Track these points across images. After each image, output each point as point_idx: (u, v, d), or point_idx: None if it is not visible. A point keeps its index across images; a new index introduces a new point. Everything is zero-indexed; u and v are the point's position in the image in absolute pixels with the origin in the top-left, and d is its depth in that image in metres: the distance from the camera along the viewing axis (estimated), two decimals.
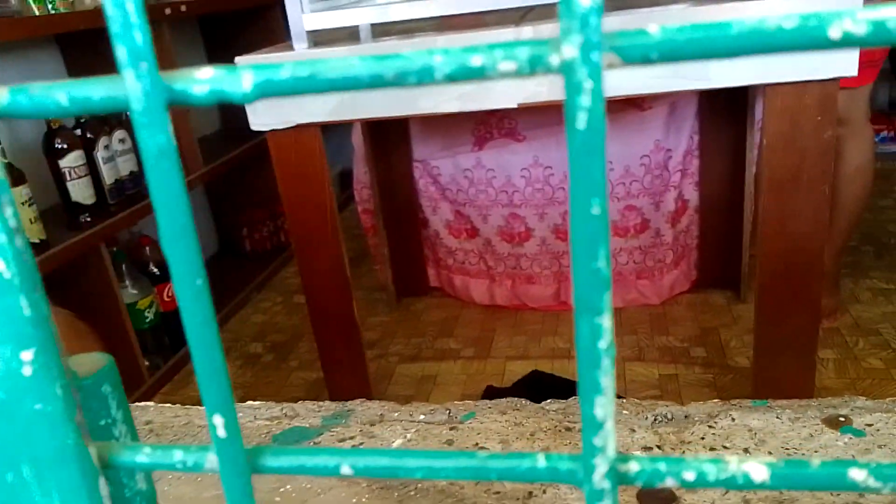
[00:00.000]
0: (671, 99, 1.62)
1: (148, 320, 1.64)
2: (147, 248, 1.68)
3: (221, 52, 2.27)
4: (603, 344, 0.10)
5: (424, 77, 0.10)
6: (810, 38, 0.10)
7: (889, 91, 2.54)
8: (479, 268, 1.88)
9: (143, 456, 0.13)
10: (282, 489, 0.27)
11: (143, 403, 0.34)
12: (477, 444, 0.28)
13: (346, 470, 0.12)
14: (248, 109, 1.25)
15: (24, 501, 0.13)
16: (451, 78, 0.10)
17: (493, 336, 1.74)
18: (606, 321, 0.10)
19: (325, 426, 0.31)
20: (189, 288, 0.11)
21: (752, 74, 1.05)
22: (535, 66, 0.10)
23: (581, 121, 0.10)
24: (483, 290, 1.88)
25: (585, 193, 0.10)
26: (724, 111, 1.65)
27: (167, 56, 1.72)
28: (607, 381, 0.11)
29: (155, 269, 1.68)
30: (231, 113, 2.35)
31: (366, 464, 0.12)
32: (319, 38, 1.33)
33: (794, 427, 0.27)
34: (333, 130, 2.27)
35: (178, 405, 0.35)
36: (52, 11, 1.46)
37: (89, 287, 1.51)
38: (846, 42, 0.10)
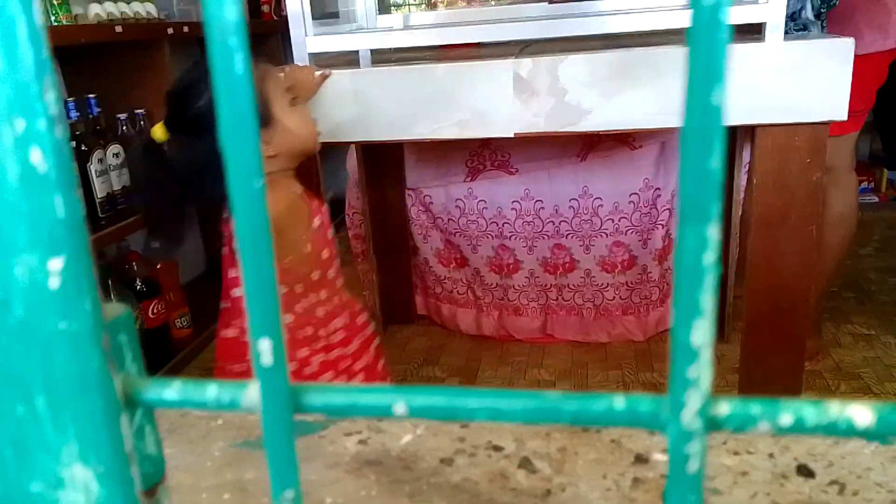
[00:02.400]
0: (662, 139, 1.64)
1: None
2: (134, 264, 1.65)
3: None
4: (709, 258, 0.10)
5: None
6: None
7: (871, 143, 2.61)
8: (466, 297, 1.87)
9: (173, 391, 0.12)
10: None
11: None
12: (490, 441, 0.27)
13: (399, 409, 0.11)
14: None
15: (33, 438, 0.12)
16: None
17: (478, 366, 1.72)
18: (714, 232, 0.10)
19: (329, 420, 0.30)
20: (245, 190, 0.10)
21: (744, 114, 1.07)
22: None
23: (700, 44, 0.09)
24: (470, 319, 1.86)
25: (705, 80, 0.09)
26: None
27: (166, 75, 1.72)
28: (709, 301, 0.10)
29: (141, 286, 1.65)
30: None
31: (422, 403, 0.11)
32: (320, 63, 1.34)
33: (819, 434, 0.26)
34: (328, 156, 2.27)
35: None
36: (55, 24, 1.46)
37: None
38: None
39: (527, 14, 1.49)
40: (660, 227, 1.72)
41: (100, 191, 1.48)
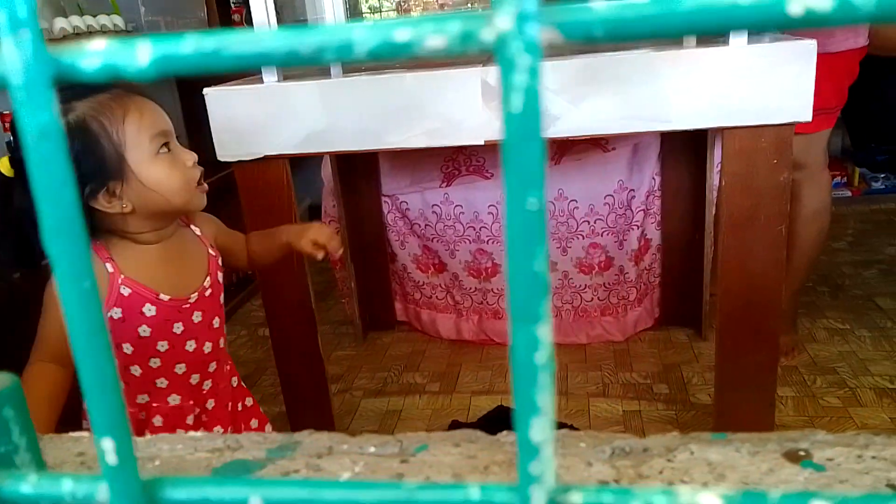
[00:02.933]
0: (634, 140, 1.65)
1: None
2: None
3: (193, 82, 2.25)
4: (540, 357, 0.10)
5: (344, 53, 0.09)
6: (768, 16, 0.09)
7: (842, 139, 2.65)
8: (446, 302, 1.87)
9: (28, 486, 0.12)
10: None
11: (77, 434, 0.32)
12: (428, 477, 0.27)
13: (255, 502, 0.11)
14: (216, 140, 1.24)
15: None
16: (375, 55, 0.09)
17: (458, 371, 1.72)
18: (544, 332, 0.10)
19: (269, 459, 0.29)
20: (74, 290, 0.10)
21: (710, 118, 1.08)
22: (466, 42, 0.09)
23: (516, 102, 0.09)
24: (450, 324, 1.86)
25: (521, 185, 0.09)
26: (685, 154, 1.69)
27: (134, 89, 1.70)
28: (545, 400, 0.10)
29: None
30: (203, 143, 2.32)
31: (280, 496, 0.11)
32: (290, 73, 1.33)
33: (754, 461, 0.26)
34: (303, 164, 2.26)
35: None
36: None
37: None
38: (809, 20, 0.09)
39: None
40: (635, 227, 1.73)
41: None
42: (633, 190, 1.69)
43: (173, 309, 0.85)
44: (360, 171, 1.81)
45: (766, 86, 1.05)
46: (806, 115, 1.06)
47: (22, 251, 0.79)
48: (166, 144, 0.80)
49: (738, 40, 1.05)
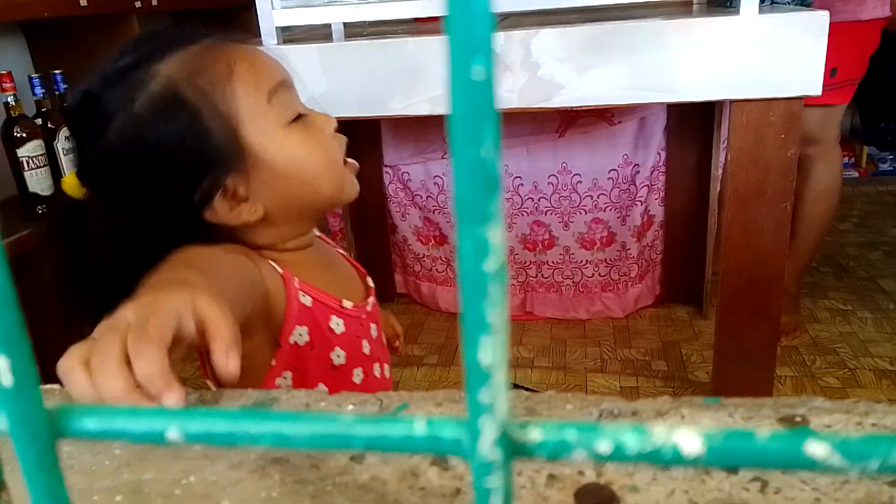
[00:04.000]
0: (641, 114, 1.62)
1: None
2: None
3: None
4: (490, 265, 0.08)
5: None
6: None
7: (851, 118, 2.61)
8: (446, 275, 1.85)
9: None
10: (184, 481, 0.24)
11: (48, 386, 0.31)
12: None
13: (173, 435, 0.10)
14: None
15: None
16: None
17: (457, 344, 1.72)
18: (494, 234, 0.08)
19: None
20: None
21: (718, 89, 1.06)
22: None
23: None
24: (450, 297, 1.85)
25: (465, 50, 0.08)
26: (692, 129, 1.66)
27: None
28: (496, 315, 0.08)
29: None
30: None
31: (199, 429, 0.10)
32: (292, 37, 1.30)
33: (748, 426, 0.25)
34: None
35: None
36: None
37: (43, 280, 1.45)
38: None
39: None
40: (638, 203, 1.70)
41: (67, 169, 1.45)
42: (637, 165, 1.67)
43: (356, 320, 0.60)
44: (361, 140, 1.79)
45: (776, 57, 1.02)
46: (816, 88, 1.03)
47: (103, 300, 0.44)
48: (299, 118, 0.54)
49: (749, 9, 1.02)
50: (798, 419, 0.24)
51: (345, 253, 0.71)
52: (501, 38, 1.10)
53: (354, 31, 1.35)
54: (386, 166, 1.80)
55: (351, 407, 0.28)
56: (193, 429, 0.10)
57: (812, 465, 0.09)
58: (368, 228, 1.87)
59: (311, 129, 0.55)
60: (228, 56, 0.52)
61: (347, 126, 1.95)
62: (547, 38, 1.08)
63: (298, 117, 0.54)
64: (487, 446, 0.09)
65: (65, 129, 1.45)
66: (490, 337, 0.08)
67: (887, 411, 0.24)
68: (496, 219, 0.08)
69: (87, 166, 0.52)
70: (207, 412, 0.10)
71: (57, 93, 1.47)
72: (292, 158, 0.53)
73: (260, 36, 1.22)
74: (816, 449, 0.09)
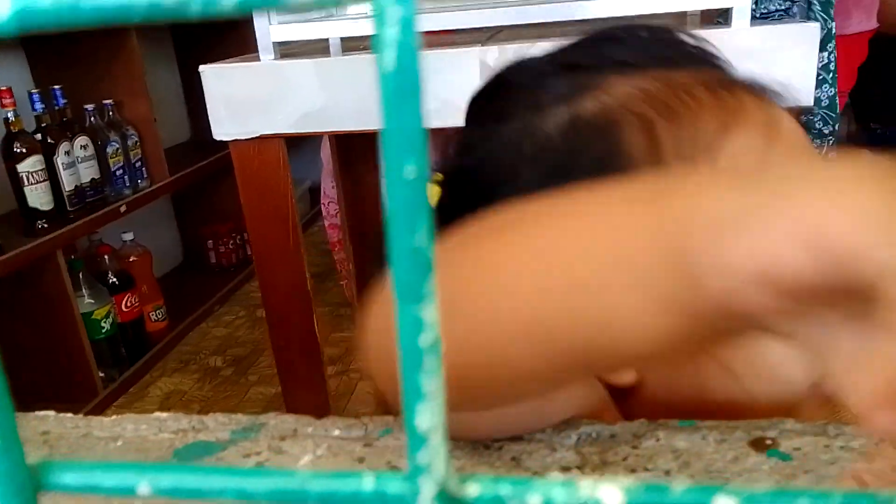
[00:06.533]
0: None
1: (104, 330, 1.58)
2: (106, 257, 1.63)
3: (194, 62, 2.24)
4: (425, 340, 0.09)
5: (208, 7, 0.08)
6: None
7: (848, 124, 2.61)
8: None
9: None
10: None
11: (42, 413, 0.32)
12: (389, 462, 0.27)
13: (143, 490, 0.10)
14: (211, 119, 1.23)
15: None
16: (244, 6, 0.08)
17: None
18: (429, 312, 0.09)
19: (232, 440, 0.29)
20: None
21: None
22: None
23: (388, 59, 0.08)
24: None
25: (399, 152, 0.08)
26: None
27: (136, 64, 1.69)
28: (432, 384, 0.09)
29: (114, 279, 1.63)
30: (202, 122, 2.31)
31: (168, 483, 0.11)
32: (290, 51, 1.31)
33: (720, 449, 0.25)
34: (304, 145, 2.25)
35: (79, 415, 0.33)
36: None
37: (43, 295, 1.46)
38: None
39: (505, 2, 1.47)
40: None
41: (67, 184, 1.46)
42: None
43: None
44: (359, 151, 1.80)
45: (767, 69, 1.03)
46: (808, 99, 1.04)
47: None
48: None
49: (740, 22, 1.03)
50: (768, 442, 0.25)
51: None
52: (496, 52, 1.11)
53: (352, 45, 1.37)
54: (384, 177, 1.81)
55: (337, 432, 0.29)
56: (163, 484, 0.11)
57: None
58: (367, 239, 1.89)
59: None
60: (731, 106, 0.36)
61: (345, 139, 1.96)
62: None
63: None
64: (427, 502, 0.10)
65: (65, 143, 1.47)
66: (426, 404, 0.09)
67: (856, 434, 0.25)
68: (430, 298, 0.09)
69: (453, 169, 0.43)
70: (177, 468, 0.11)
71: (56, 108, 1.49)
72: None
73: (257, 51, 1.23)
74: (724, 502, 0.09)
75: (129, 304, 1.63)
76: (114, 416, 0.33)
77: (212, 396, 1.62)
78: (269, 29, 1.19)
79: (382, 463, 0.26)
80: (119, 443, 0.30)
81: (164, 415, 0.31)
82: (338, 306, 2.01)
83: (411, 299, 0.09)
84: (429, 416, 0.09)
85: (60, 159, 1.45)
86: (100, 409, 1.56)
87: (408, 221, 0.08)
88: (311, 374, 1.39)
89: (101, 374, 1.58)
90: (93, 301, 1.55)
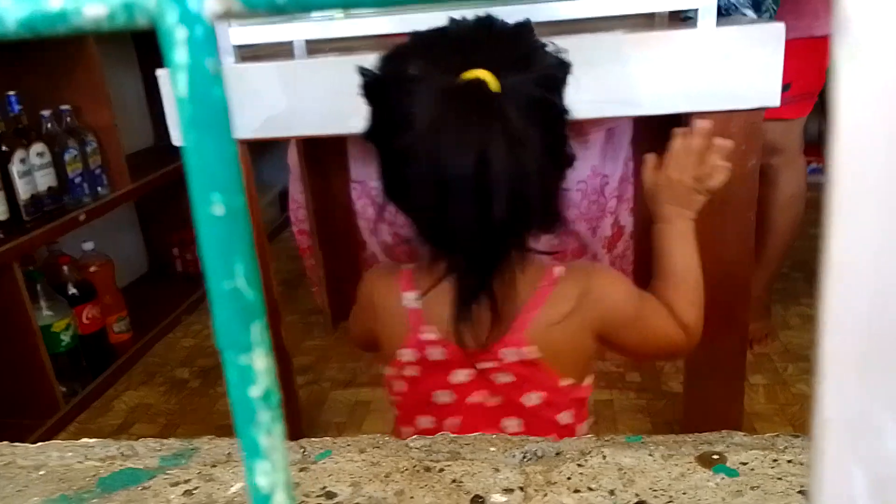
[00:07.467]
0: (607, 126, 1.64)
1: (64, 343, 1.54)
2: (65, 268, 1.59)
3: (156, 66, 2.19)
4: (256, 391, 0.08)
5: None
6: None
7: (819, 124, 2.66)
8: None
9: None
10: None
11: (40, 444, 0.30)
12: (325, 487, 0.25)
13: None
14: (171, 124, 1.20)
15: None
16: (28, 27, 0.07)
17: None
18: (259, 360, 0.07)
19: (161, 468, 0.27)
20: None
21: (679, 102, 1.07)
22: (131, 12, 0.07)
23: (181, 86, 0.07)
24: None
25: (203, 187, 0.07)
26: (659, 139, 1.68)
27: (95, 69, 1.65)
28: (270, 440, 0.08)
29: (74, 290, 1.59)
30: (166, 128, 2.27)
31: None
32: (254, 53, 1.29)
33: (666, 465, 0.24)
34: (273, 149, 2.22)
35: (5, 443, 0.30)
36: None
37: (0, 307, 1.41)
38: None
39: (469, 2, 1.46)
40: (608, 214, 1.71)
41: (23, 192, 1.42)
42: (606, 176, 1.68)
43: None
44: (328, 156, 1.78)
45: (734, 70, 1.03)
46: (775, 100, 1.05)
47: None
48: None
49: (706, 22, 1.03)
50: (715, 457, 0.24)
51: None
52: None
53: (316, 47, 1.35)
54: (353, 182, 1.79)
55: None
56: None
57: None
58: (337, 245, 1.86)
59: None
60: None
61: (311, 144, 1.94)
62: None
63: None
64: None
65: (20, 151, 1.42)
66: (264, 462, 0.08)
67: (805, 447, 0.24)
68: (259, 346, 0.07)
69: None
70: None
71: (11, 114, 1.45)
72: None
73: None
74: None
75: (89, 316, 1.59)
76: (38, 444, 0.31)
77: (178, 409, 1.58)
78: (228, 31, 1.16)
79: (317, 488, 0.25)
80: (42, 472, 0.28)
81: (92, 441, 0.29)
82: (308, 314, 1.98)
83: (238, 348, 0.07)
84: (267, 474, 0.08)
85: (15, 167, 1.41)
86: (63, 425, 1.52)
87: (223, 262, 0.07)
88: (282, 385, 1.36)
89: (63, 389, 1.53)
90: (52, 313, 1.51)
